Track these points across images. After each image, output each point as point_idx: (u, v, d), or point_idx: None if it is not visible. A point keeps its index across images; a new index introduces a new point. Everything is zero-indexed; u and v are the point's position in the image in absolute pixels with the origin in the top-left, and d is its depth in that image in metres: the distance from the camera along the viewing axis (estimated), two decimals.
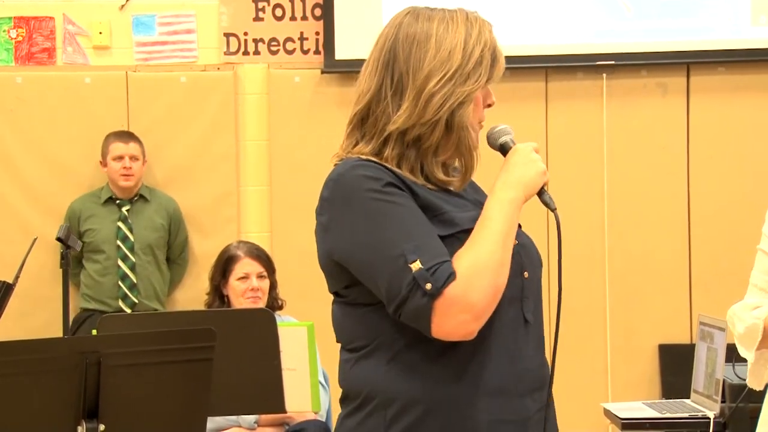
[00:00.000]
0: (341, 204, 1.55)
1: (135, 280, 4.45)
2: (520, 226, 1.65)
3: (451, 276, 1.48)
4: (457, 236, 1.55)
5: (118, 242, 4.46)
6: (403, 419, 1.57)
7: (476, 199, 1.68)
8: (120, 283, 4.41)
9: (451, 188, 1.65)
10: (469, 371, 1.58)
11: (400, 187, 1.55)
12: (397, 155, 1.56)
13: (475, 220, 1.60)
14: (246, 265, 3.69)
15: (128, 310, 4.31)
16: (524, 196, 1.59)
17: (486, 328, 1.56)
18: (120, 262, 4.45)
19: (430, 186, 1.58)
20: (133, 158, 4.39)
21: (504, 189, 1.58)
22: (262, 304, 3.66)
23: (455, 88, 1.54)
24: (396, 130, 1.54)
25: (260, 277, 3.67)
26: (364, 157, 1.60)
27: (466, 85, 1.53)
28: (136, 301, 4.39)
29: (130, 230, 4.48)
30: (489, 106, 1.63)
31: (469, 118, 1.55)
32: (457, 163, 1.67)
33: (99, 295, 4.37)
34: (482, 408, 1.60)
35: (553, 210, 1.62)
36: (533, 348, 1.66)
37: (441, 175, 1.60)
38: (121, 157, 4.36)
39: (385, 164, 1.58)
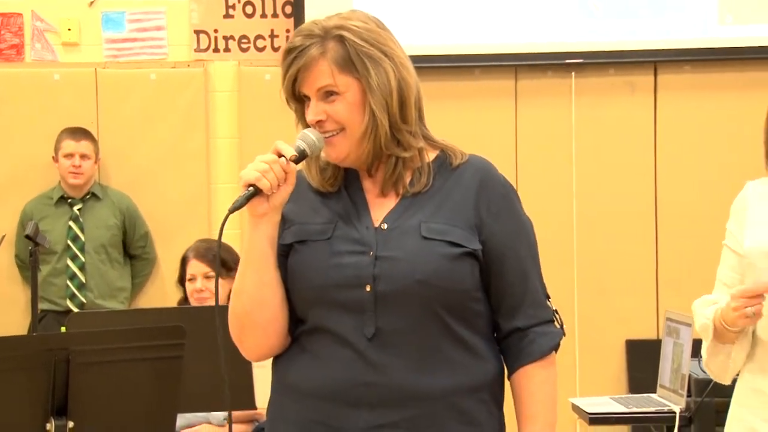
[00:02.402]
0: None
1: (84, 280, 4.43)
2: (433, 230, 1.62)
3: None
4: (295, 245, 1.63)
5: (69, 242, 4.45)
6: (270, 411, 1.71)
7: (411, 215, 1.65)
8: (68, 282, 4.41)
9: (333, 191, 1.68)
10: (287, 376, 1.66)
11: None
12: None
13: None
14: (193, 267, 3.69)
15: (76, 310, 4.31)
16: (252, 219, 1.63)
17: (312, 339, 1.62)
18: (69, 262, 4.45)
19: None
20: (83, 156, 4.36)
21: None
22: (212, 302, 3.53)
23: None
24: None
25: (207, 277, 3.64)
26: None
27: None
28: (85, 300, 4.38)
29: (81, 229, 4.47)
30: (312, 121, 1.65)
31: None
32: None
33: (49, 295, 4.36)
34: (298, 408, 1.64)
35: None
36: (388, 361, 1.62)
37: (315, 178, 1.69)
38: (71, 155, 4.34)
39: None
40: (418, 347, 1.58)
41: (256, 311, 1.60)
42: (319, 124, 1.58)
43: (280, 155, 1.55)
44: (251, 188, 1.53)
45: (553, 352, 1.64)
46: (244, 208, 1.58)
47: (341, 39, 1.56)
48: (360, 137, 1.58)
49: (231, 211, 1.55)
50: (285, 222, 1.63)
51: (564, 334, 1.68)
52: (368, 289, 1.56)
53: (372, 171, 1.63)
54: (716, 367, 2.24)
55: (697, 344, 2.67)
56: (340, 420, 1.58)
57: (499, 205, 1.64)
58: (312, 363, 1.62)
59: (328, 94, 1.57)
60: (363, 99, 1.57)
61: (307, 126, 1.63)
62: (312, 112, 1.57)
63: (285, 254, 1.61)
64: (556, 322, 1.66)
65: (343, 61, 1.56)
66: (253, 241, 1.59)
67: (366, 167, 1.62)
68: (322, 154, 1.64)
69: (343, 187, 1.64)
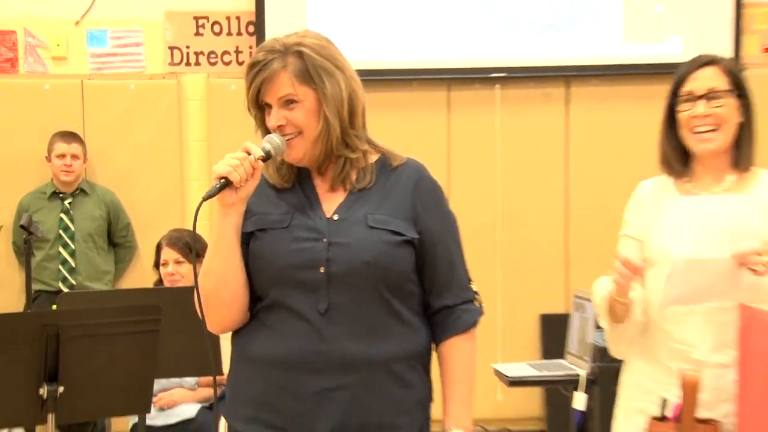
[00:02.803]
0: None
1: (74, 264, 4.55)
2: (378, 221, 1.69)
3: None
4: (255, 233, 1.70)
5: (60, 231, 4.56)
6: (230, 380, 1.80)
7: (359, 208, 1.72)
8: (60, 266, 4.52)
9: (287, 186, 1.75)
10: (244, 356, 1.78)
11: None
12: None
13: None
14: (165, 253, 3.81)
15: (66, 290, 4.48)
16: (222, 209, 1.66)
17: (270, 315, 1.74)
18: (61, 249, 4.54)
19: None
20: (73, 157, 4.48)
21: None
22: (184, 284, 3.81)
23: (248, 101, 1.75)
24: None
25: (177, 262, 3.76)
26: None
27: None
28: (74, 282, 4.52)
29: (71, 221, 4.58)
30: (272, 127, 1.71)
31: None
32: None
33: (43, 277, 4.48)
34: (255, 384, 1.75)
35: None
36: (337, 333, 1.71)
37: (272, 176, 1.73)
38: (63, 155, 4.45)
39: None
40: (363, 320, 1.66)
41: (221, 290, 1.64)
42: (279, 128, 1.64)
43: (249, 153, 1.61)
44: (223, 180, 1.58)
45: (475, 326, 1.77)
46: (215, 200, 1.64)
47: (300, 54, 1.61)
48: (315, 140, 1.63)
49: (205, 199, 1.60)
50: (247, 213, 1.67)
51: (483, 313, 1.79)
52: (322, 270, 1.63)
53: (322, 169, 1.67)
54: (612, 342, 2.29)
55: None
56: (296, 385, 1.66)
57: (430, 201, 1.72)
58: (271, 335, 1.68)
59: (288, 102, 1.64)
60: (318, 107, 1.62)
61: (266, 131, 1.69)
62: (274, 118, 1.63)
63: (246, 242, 1.66)
64: (476, 302, 1.76)
65: (301, 74, 1.62)
66: (222, 229, 1.64)
67: (317, 166, 1.67)
68: None
69: (297, 183, 1.69)
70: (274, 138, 1.61)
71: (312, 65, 1.60)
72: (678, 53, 4.78)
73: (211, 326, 1.72)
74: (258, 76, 1.62)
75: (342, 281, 1.66)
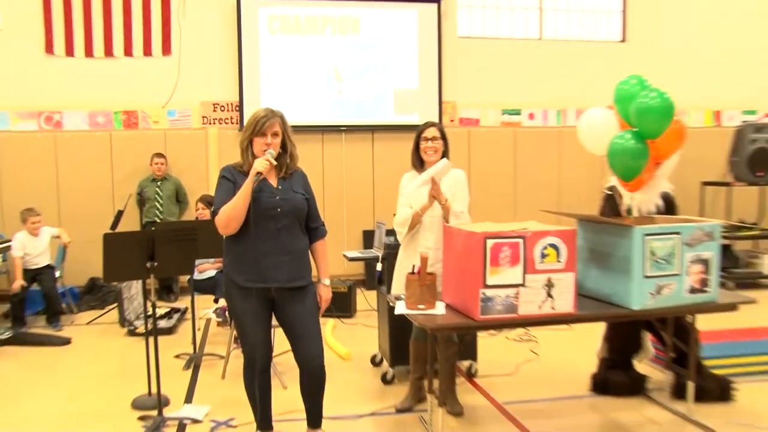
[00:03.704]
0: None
1: (162, 210, 6.91)
2: (296, 191, 2.66)
3: (216, 212, 2.75)
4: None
5: (156, 197, 6.94)
6: (231, 257, 2.79)
7: (287, 186, 2.63)
8: (156, 211, 6.94)
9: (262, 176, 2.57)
10: (245, 244, 2.67)
11: (227, 177, 2.84)
12: (242, 162, 2.85)
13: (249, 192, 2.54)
14: (199, 205, 5.10)
15: (158, 221, 6.43)
16: (250, 182, 2.53)
17: (252, 230, 2.60)
18: (156, 203, 6.97)
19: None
20: (161, 163, 6.99)
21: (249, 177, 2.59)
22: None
23: (244, 135, 2.83)
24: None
25: (203, 209, 5.15)
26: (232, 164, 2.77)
27: (245, 134, 2.79)
28: (161, 218, 6.79)
29: (160, 190, 6.98)
30: (267, 145, 2.72)
31: (254, 147, 2.79)
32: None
33: (149, 216, 6.81)
34: (252, 257, 2.70)
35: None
36: (283, 239, 2.65)
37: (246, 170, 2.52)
38: (156, 162, 6.98)
39: (236, 166, 2.81)
40: (292, 232, 2.79)
41: (239, 215, 2.69)
42: (269, 146, 2.69)
43: (268, 160, 2.67)
44: (259, 173, 2.64)
45: (325, 236, 3.00)
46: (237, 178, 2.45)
47: (281, 116, 2.84)
48: (287, 157, 2.81)
49: (255, 182, 2.60)
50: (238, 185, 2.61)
51: (327, 232, 3.07)
52: (279, 210, 2.66)
53: (273, 168, 2.74)
54: (401, 237, 3.48)
55: (390, 232, 4.17)
56: (266, 260, 2.77)
57: (308, 185, 2.97)
58: (255, 237, 2.68)
59: (275, 135, 2.75)
60: (285, 138, 2.84)
61: (251, 150, 2.77)
62: (269, 141, 2.68)
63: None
64: (324, 227, 3.04)
65: (282, 123, 2.83)
66: (247, 190, 2.63)
67: (274, 168, 2.78)
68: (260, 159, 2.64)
69: (260, 174, 2.65)
70: (272, 152, 2.69)
71: (283, 121, 2.83)
72: (416, 120, 7.55)
73: (225, 231, 2.69)
74: (266, 119, 2.74)
75: (285, 215, 2.68)
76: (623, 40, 8.58)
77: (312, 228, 3.06)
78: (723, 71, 8.68)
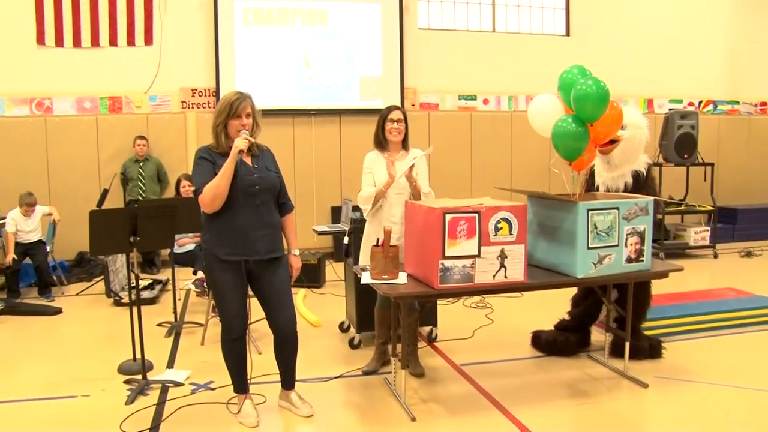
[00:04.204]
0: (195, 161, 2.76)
1: (144, 189, 6.88)
2: (269, 169, 2.67)
3: (199, 191, 2.70)
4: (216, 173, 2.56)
5: (138, 176, 6.95)
6: (211, 232, 2.74)
7: (261, 165, 2.65)
8: (139, 190, 6.92)
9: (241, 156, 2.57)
10: (226, 220, 2.65)
11: (206, 158, 2.79)
12: (216, 144, 2.82)
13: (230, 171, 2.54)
14: (184, 182, 5.03)
15: (141, 198, 6.31)
16: (232, 159, 2.54)
17: (233, 207, 2.60)
18: (139, 183, 6.96)
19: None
20: (143, 145, 6.94)
21: (230, 155, 2.60)
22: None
23: (219, 118, 2.78)
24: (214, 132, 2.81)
25: (189, 185, 5.07)
26: (207, 145, 2.71)
27: (219, 118, 2.77)
28: (144, 196, 6.70)
29: (142, 170, 6.99)
30: (243, 125, 2.71)
31: (229, 129, 2.76)
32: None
33: (132, 194, 6.75)
34: (234, 232, 2.67)
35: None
36: (261, 214, 2.66)
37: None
38: (139, 144, 6.91)
39: (211, 148, 2.76)
40: (268, 208, 2.79)
41: (222, 192, 2.68)
42: (244, 126, 2.69)
43: (247, 139, 2.68)
44: (241, 150, 2.63)
45: (293, 210, 2.99)
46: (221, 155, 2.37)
47: (250, 97, 2.83)
48: (254, 135, 2.76)
49: (238, 159, 2.57)
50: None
51: (293, 207, 3.03)
52: (257, 187, 2.66)
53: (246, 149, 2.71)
54: (366, 213, 3.43)
55: (355, 208, 4.39)
56: (247, 233, 2.76)
57: (276, 163, 2.95)
58: (236, 213, 2.66)
59: (248, 116, 2.75)
60: (255, 118, 2.80)
61: (225, 131, 2.74)
62: (244, 122, 2.67)
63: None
64: (290, 201, 3.02)
65: (252, 104, 2.80)
66: (230, 167, 2.65)
67: (247, 148, 2.74)
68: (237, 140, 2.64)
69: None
70: (246, 132, 2.70)
71: (252, 102, 2.83)
72: (380, 104, 7.52)
73: (210, 209, 2.64)
74: (240, 101, 2.73)
75: (264, 192, 2.69)
76: (567, 34, 8.72)
77: (281, 203, 3.05)
78: (655, 63, 8.86)
